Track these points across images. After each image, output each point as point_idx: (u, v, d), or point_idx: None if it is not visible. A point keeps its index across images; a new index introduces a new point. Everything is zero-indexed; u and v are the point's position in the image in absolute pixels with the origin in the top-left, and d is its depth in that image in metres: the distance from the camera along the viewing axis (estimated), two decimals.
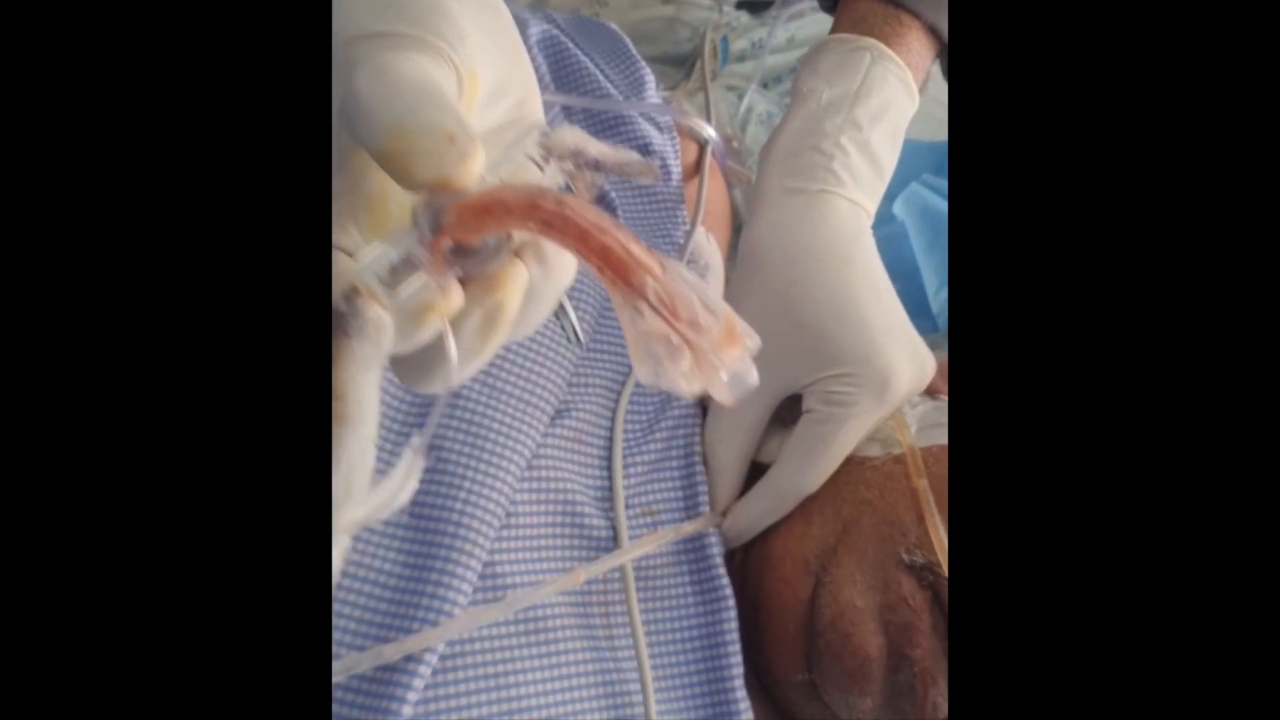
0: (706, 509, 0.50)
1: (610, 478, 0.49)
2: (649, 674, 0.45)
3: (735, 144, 0.75)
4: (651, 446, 0.51)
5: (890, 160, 0.53)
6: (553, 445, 0.47)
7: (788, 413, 0.52)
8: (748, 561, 0.52)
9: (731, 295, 0.52)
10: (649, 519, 0.49)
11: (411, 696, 0.38)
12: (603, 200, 0.58)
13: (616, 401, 0.51)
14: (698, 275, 0.60)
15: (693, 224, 0.60)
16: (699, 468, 0.51)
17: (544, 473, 0.46)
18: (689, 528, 0.49)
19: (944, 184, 0.76)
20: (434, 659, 0.39)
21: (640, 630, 0.46)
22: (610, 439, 0.50)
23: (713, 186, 0.65)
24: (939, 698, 0.44)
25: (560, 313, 0.50)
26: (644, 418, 0.52)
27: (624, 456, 0.49)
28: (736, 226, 0.67)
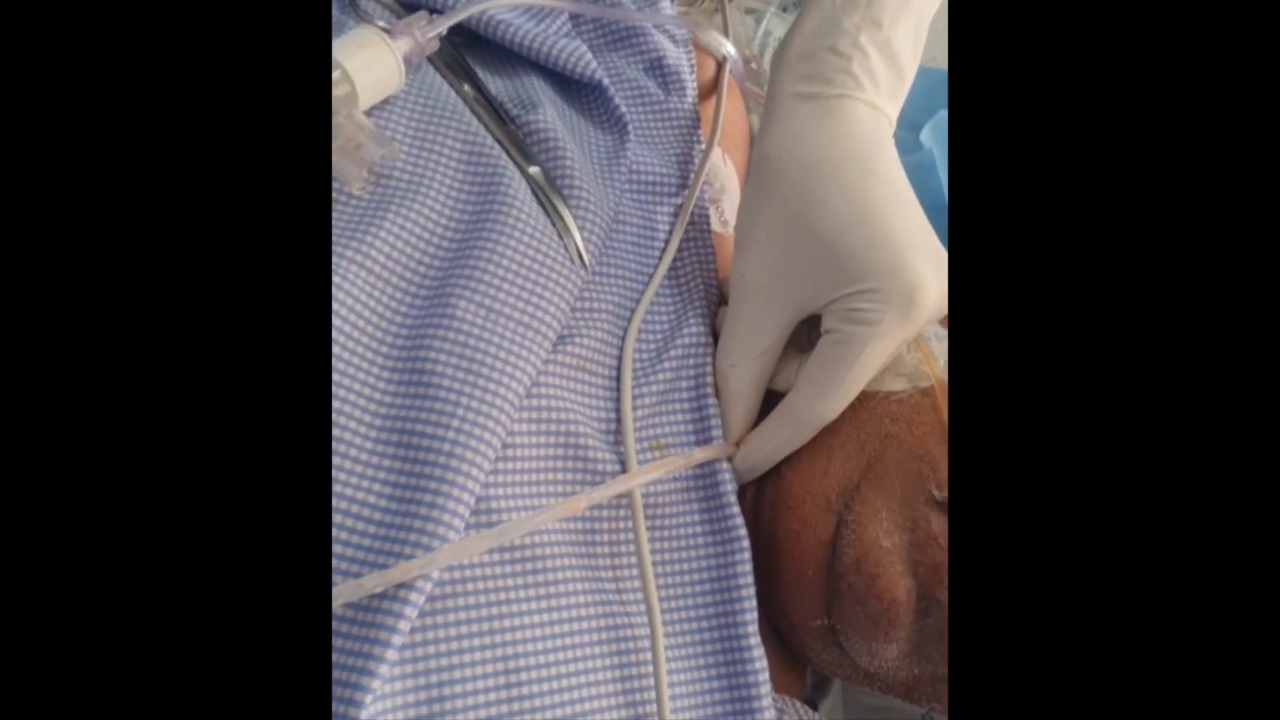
0: (719, 440, 0.47)
1: (619, 409, 0.46)
2: (658, 616, 0.41)
3: (753, 66, 0.71)
4: (659, 376, 0.47)
5: (913, 62, 0.49)
6: (555, 373, 0.44)
7: (804, 337, 0.48)
8: (760, 500, 0.49)
9: (743, 211, 0.49)
10: (657, 453, 0.46)
11: (403, 626, 0.35)
12: (616, 120, 0.54)
13: (625, 328, 0.48)
14: (713, 198, 0.57)
15: (709, 145, 0.56)
16: (710, 399, 0.47)
17: (545, 402, 0.43)
18: (700, 454, 0.45)
19: None
20: (427, 586, 0.36)
21: (650, 568, 0.42)
22: (618, 367, 0.47)
23: (730, 106, 0.61)
24: None
25: (564, 231, 0.46)
26: (652, 345, 0.49)
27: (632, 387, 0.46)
28: None
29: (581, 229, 0.46)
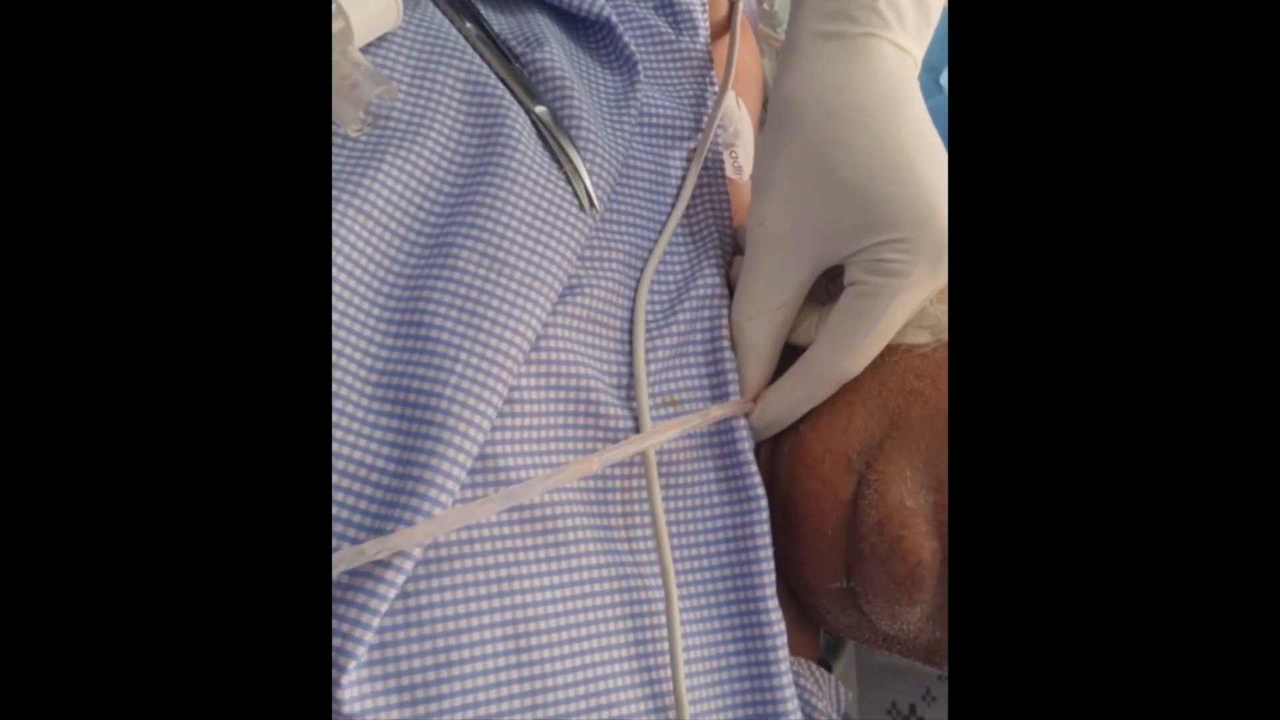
0: (736, 396, 0.45)
1: (631, 363, 0.44)
2: (672, 577, 0.40)
3: (766, 6, 0.68)
4: (673, 329, 0.45)
5: (940, 1, 0.46)
6: (563, 325, 0.42)
7: (823, 289, 0.46)
8: (777, 458, 0.47)
9: (760, 157, 0.46)
10: (671, 409, 0.44)
11: (382, 607, 0.34)
12: (625, 59, 0.51)
13: (638, 279, 0.46)
14: (727, 143, 0.55)
15: (723, 87, 0.53)
16: (727, 353, 0.45)
17: (553, 355, 0.41)
18: (717, 411, 0.43)
19: None
20: (408, 565, 0.34)
21: (664, 529, 0.41)
22: (630, 319, 0.44)
23: (744, 48, 0.58)
24: None
25: (572, 174, 0.44)
26: (665, 297, 0.46)
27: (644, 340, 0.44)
28: (768, 99, 0.61)
29: (591, 172, 0.44)
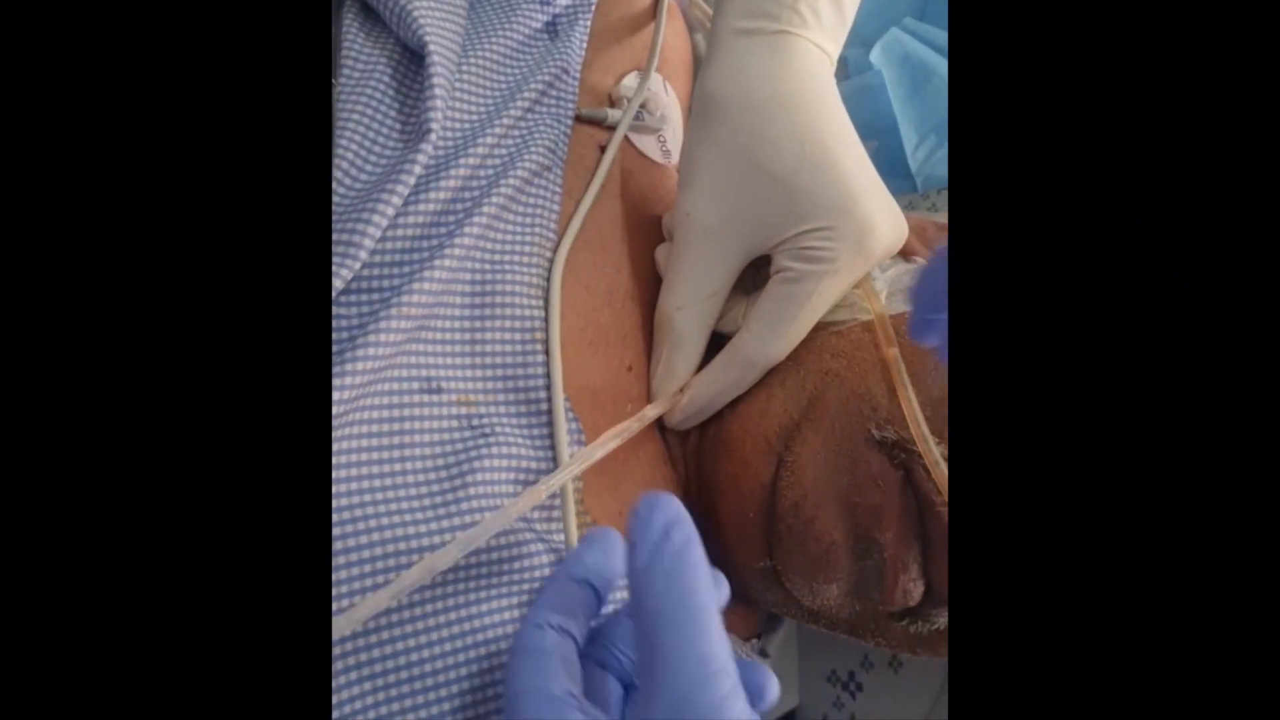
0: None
1: (550, 405, 0.42)
2: None
3: None
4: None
5: (854, 2, 0.47)
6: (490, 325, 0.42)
7: (749, 280, 0.47)
8: (703, 443, 0.48)
9: (686, 150, 0.47)
10: (466, 409, 0.41)
11: None
12: (554, 30, 0.51)
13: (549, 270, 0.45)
14: (654, 128, 0.55)
15: (647, 70, 0.54)
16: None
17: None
18: (652, 412, 0.44)
19: (926, 29, 0.69)
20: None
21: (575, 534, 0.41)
22: (545, 321, 0.43)
23: (670, 30, 0.58)
24: (910, 584, 0.41)
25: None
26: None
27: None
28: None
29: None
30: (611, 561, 0.34)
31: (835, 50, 0.47)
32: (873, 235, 0.43)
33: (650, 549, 0.28)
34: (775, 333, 0.44)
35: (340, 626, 0.32)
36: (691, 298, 0.46)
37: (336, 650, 0.34)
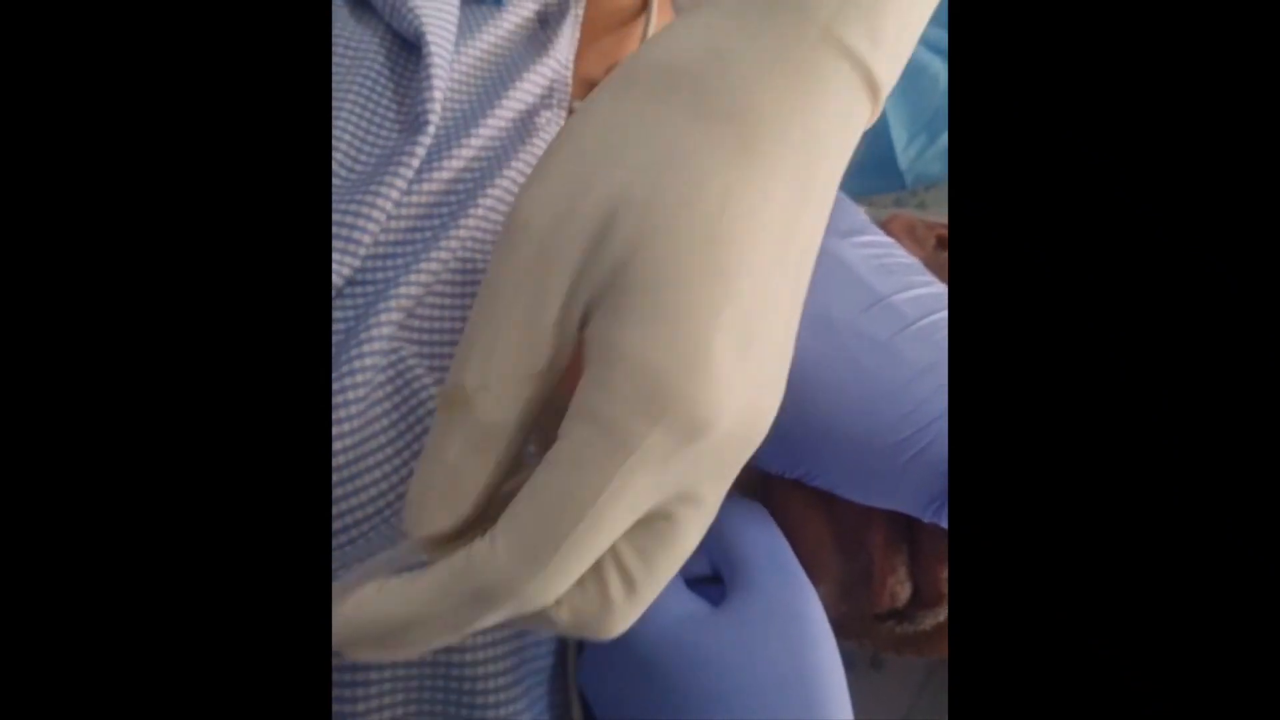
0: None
1: None
2: None
3: None
4: None
5: None
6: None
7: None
8: None
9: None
10: None
11: None
12: (544, 19, 0.50)
13: None
14: None
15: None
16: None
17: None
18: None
19: None
20: None
21: None
22: None
23: (662, 19, 0.57)
24: (897, 586, 0.41)
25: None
26: None
27: None
28: None
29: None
30: None
31: None
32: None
33: None
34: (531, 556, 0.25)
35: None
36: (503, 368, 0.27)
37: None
